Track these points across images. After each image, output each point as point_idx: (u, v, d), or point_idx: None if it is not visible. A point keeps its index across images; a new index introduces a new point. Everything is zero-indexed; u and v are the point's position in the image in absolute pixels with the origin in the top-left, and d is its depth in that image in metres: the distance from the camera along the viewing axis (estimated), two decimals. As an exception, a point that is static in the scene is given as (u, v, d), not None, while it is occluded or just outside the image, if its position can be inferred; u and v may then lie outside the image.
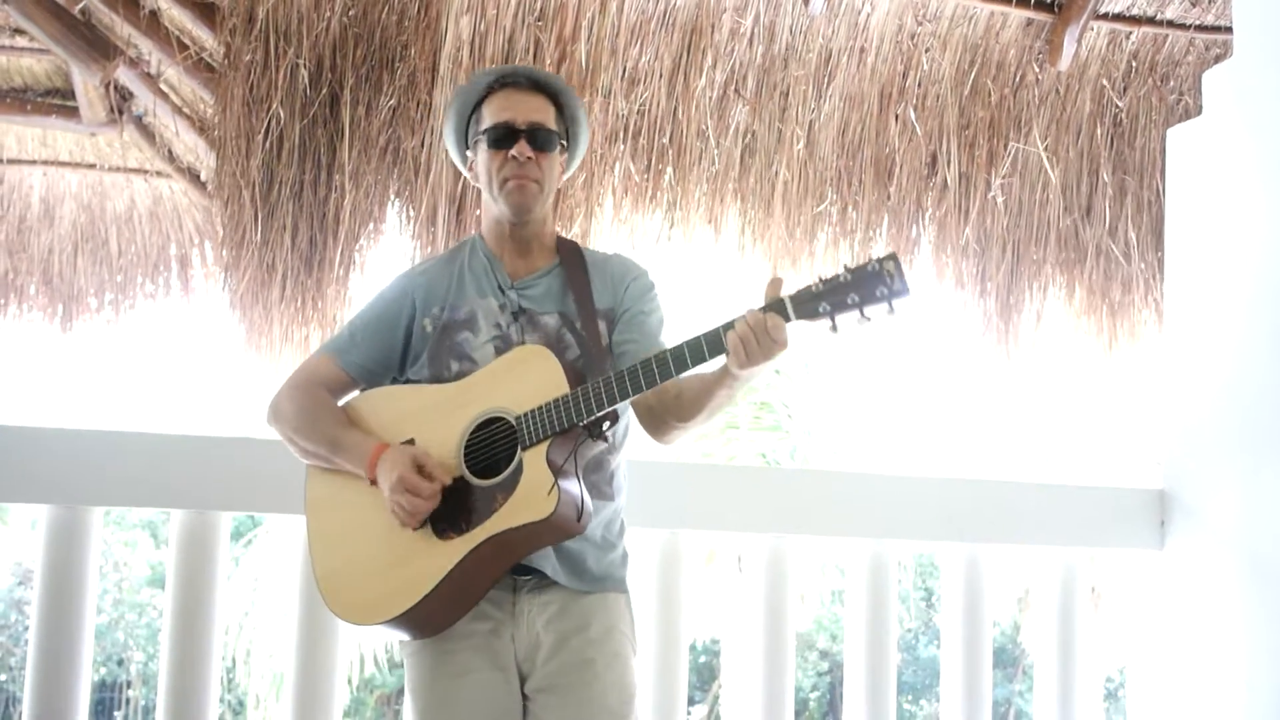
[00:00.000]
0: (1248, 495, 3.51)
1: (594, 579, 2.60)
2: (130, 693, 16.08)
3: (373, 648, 14.80)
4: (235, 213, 4.68)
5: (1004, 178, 5.21)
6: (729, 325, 2.29)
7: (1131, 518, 3.71)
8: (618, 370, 2.38)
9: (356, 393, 2.72)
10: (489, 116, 2.68)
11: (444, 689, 2.54)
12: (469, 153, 2.75)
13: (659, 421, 2.61)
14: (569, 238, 2.81)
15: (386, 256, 4.96)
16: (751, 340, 2.26)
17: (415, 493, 2.41)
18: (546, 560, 2.54)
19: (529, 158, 2.62)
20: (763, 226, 5.09)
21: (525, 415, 2.42)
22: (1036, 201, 5.29)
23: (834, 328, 2.25)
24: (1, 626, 15.47)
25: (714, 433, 14.98)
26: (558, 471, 2.37)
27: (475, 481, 2.44)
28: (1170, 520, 3.69)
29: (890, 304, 2.21)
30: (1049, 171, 5.24)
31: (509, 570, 2.50)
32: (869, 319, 2.22)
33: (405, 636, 2.58)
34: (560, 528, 2.39)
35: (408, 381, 2.70)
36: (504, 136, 2.64)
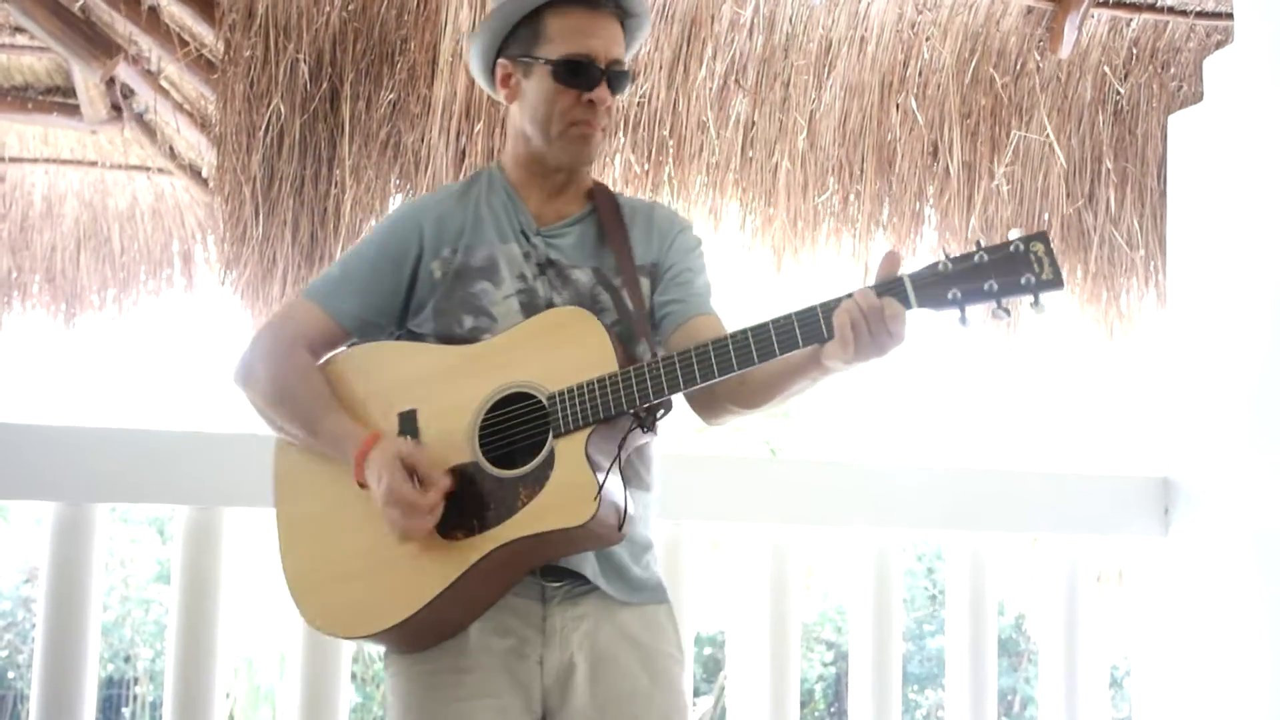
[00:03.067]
0: (1252, 482, 3.51)
1: (636, 586, 2.19)
2: (137, 689, 16.10)
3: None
4: (236, 208, 4.69)
5: (1006, 166, 5.21)
6: (828, 306, 1.87)
7: (1136, 505, 3.72)
8: (684, 350, 1.95)
9: (344, 349, 2.27)
10: (561, 40, 2.16)
11: (456, 716, 2.09)
12: (507, 65, 2.24)
13: (713, 403, 2.17)
14: (602, 181, 2.40)
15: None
16: (863, 328, 1.82)
17: (412, 509, 1.98)
18: (587, 562, 2.13)
19: (607, 106, 2.19)
20: (764, 217, 5.09)
21: (561, 395, 1.99)
22: (1038, 189, 5.28)
23: (963, 319, 1.82)
24: (8, 624, 15.49)
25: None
26: (597, 469, 1.96)
27: (493, 471, 2.02)
28: (1174, 507, 3.70)
29: (1036, 296, 1.79)
30: (1051, 159, 5.24)
31: (535, 573, 2.12)
32: (1006, 312, 1.82)
33: (394, 649, 2.18)
34: (597, 535, 2.00)
35: (410, 336, 2.25)
36: (582, 74, 2.15)
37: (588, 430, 1.97)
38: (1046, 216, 5.31)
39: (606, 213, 2.26)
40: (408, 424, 2.12)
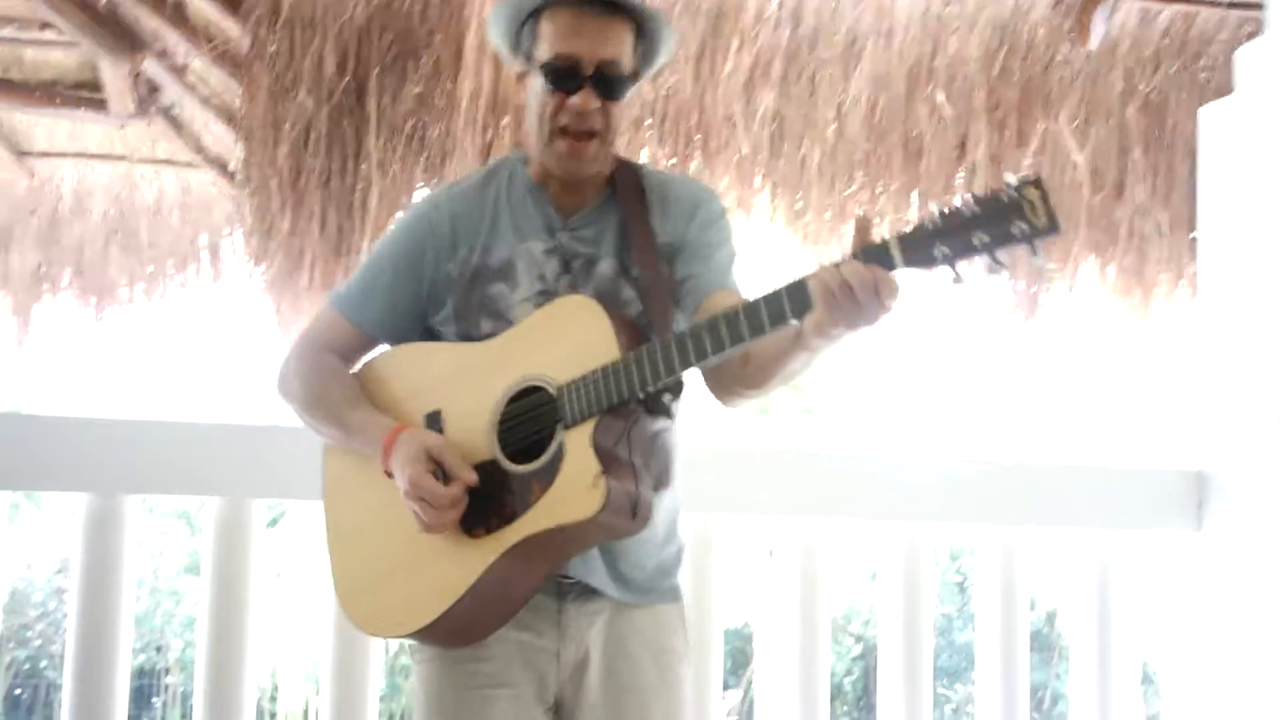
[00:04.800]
0: (1284, 476, 3.48)
1: (645, 588, 2.21)
2: (169, 679, 16.20)
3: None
4: (263, 202, 4.70)
5: (1034, 158, 5.17)
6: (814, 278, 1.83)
7: (1168, 499, 3.69)
8: (678, 331, 1.93)
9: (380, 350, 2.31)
10: (549, 40, 2.12)
11: (474, 703, 2.15)
12: (519, 56, 2.20)
13: (724, 385, 2.15)
14: (626, 159, 2.32)
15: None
16: (847, 294, 1.75)
17: (432, 502, 2.00)
18: (594, 570, 2.15)
19: (595, 108, 2.11)
20: (792, 210, 5.07)
21: (568, 386, 1.98)
22: (1067, 182, 5.25)
23: (957, 278, 1.72)
24: (41, 615, 15.62)
25: (747, 417, 14.98)
26: (605, 459, 1.94)
27: (509, 467, 2.02)
28: (1208, 501, 3.67)
29: (1033, 245, 1.67)
30: (1080, 151, 5.20)
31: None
32: (1002, 265, 1.69)
33: (433, 645, 2.21)
34: (609, 527, 1.99)
35: (432, 333, 2.26)
36: (565, 76, 2.10)
37: (594, 420, 1.96)
38: (1075, 209, 5.27)
39: (627, 195, 2.22)
40: (433, 425, 2.15)
